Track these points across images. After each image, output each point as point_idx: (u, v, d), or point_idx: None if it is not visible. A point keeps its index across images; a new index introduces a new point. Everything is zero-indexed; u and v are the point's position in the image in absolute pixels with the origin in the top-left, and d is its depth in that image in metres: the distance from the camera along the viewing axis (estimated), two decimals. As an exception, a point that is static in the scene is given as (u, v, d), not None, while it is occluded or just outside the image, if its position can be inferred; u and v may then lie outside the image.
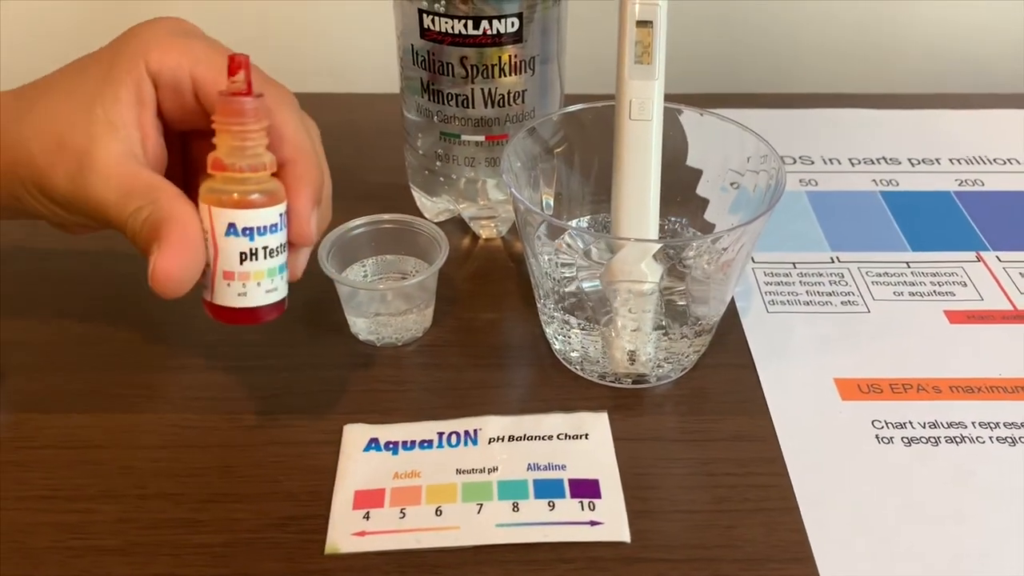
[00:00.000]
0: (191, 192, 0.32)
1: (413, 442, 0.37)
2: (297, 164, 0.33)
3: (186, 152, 0.36)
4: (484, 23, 0.41)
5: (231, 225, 0.30)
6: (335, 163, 0.54)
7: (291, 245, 0.33)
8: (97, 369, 0.41)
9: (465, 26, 0.41)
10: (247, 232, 0.30)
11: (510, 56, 0.43)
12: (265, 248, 0.31)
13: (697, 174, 0.43)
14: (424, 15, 0.42)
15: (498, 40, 0.42)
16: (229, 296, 0.31)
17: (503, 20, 0.42)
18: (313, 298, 0.44)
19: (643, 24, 0.36)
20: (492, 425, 0.37)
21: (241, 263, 0.31)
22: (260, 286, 0.31)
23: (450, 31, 0.42)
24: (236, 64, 0.30)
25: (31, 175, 0.33)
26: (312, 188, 0.33)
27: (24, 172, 0.33)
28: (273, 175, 0.31)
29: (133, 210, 0.31)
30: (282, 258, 0.32)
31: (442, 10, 0.41)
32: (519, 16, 0.42)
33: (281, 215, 0.31)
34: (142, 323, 0.43)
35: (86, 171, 0.31)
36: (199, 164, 0.33)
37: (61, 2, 0.62)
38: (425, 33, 0.42)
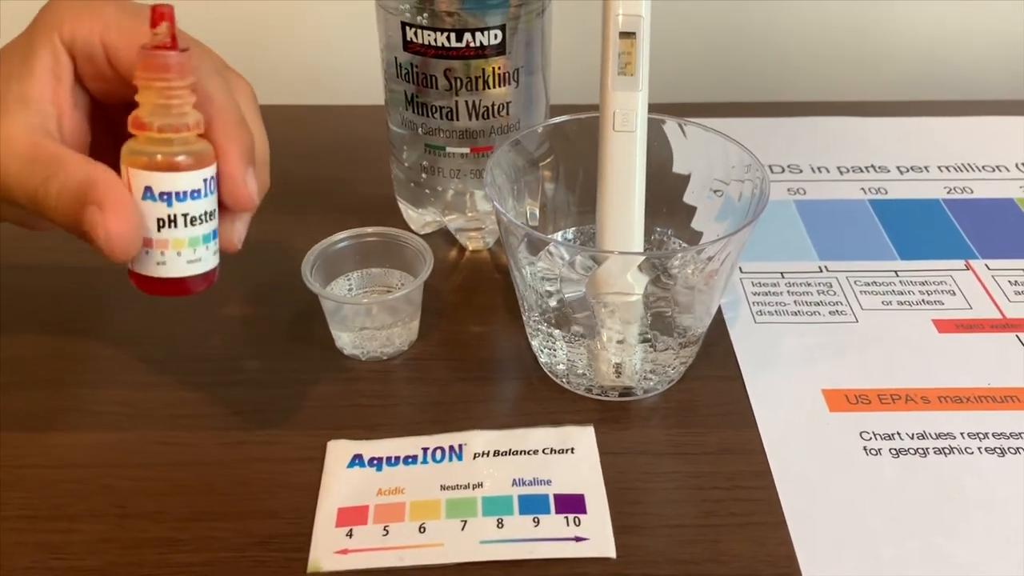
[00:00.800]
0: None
1: (397, 458, 0.36)
2: (222, 124, 0.30)
3: (115, 131, 0.33)
4: (467, 35, 0.41)
5: (147, 189, 0.28)
6: (321, 175, 0.55)
7: (227, 211, 0.31)
8: (79, 386, 0.40)
9: (448, 39, 0.41)
10: (164, 197, 0.28)
11: (494, 68, 0.43)
12: (185, 215, 0.29)
13: (683, 183, 0.43)
14: (407, 28, 0.42)
15: (482, 52, 0.42)
16: (148, 264, 0.29)
17: (486, 32, 0.41)
18: (297, 313, 0.44)
19: (626, 35, 0.36)
20: (477, 440, 0.37)
21: (159, 230, 0.29)
22: (180, 256, 0.29)
23: (433, 44, 0.42)
24: (159, 15, 0.28)
25: None
26: (240, 147, 0.30)
27: None
28: (201, 136, 0.29)
29: (41, 181, 0.29)
30: (208, 227, 0.29)
31: (425, 23, 0.41)
32: (502, 28, 0.42)
33: (206, 180, 0.29)
34: (124, 339, 0.43)
35: None
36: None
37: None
38: (408, 46, 0.42)
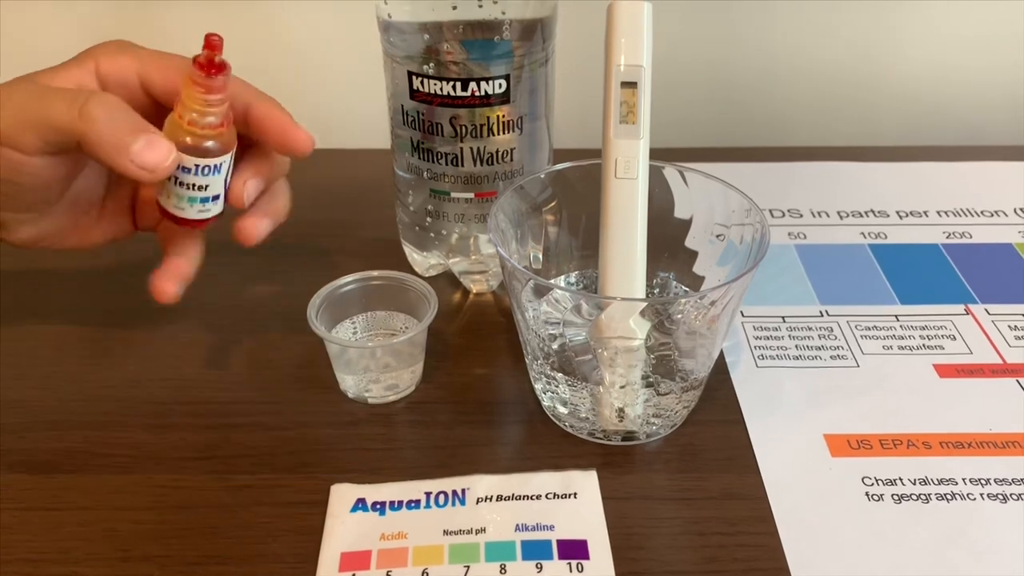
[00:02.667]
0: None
1: (400, 502, 0.37)
2: (264, 102, 0.38)
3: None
4: (473, 84, 0.42)
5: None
6: (327, 218, 0.55)
7: (256, 208, 0.40)
8: (84, 428, 0.41)
9: (454, 87, 0.42)
10: (182, 168, 0.37)
11: (499, 116, 0.43)
12: (192, 184, 0.37)
13: (685, 227, 0.43)
14: (414, 76, 0.43)
15: (487, 100, 0.43)
16: (168, 205, 0.38)
17: (491, 81, 0.42)
18: (302, 356, 0.44)
19: (628, 85, 0.37)
20: (480, 484, 0.37)
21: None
22: (191, 206, 0.38)
23: (439, 92, 0.42)
24: (210, 44, 0.35)
25: None
26: (283, 111, 0.38)
27: None
28: (221, 134, 0.37)
29: (82, 105, 0.35)
30: (207, 193, 0.38)
31: (432, 72, 0.42)
32: (507, 77, 0.42)
33: (210, 166, 0.37)
34: (130, 382, 0.43)
35: (12, 95, 0.36)
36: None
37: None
38: (415, 94, 0.43)
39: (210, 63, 0.35)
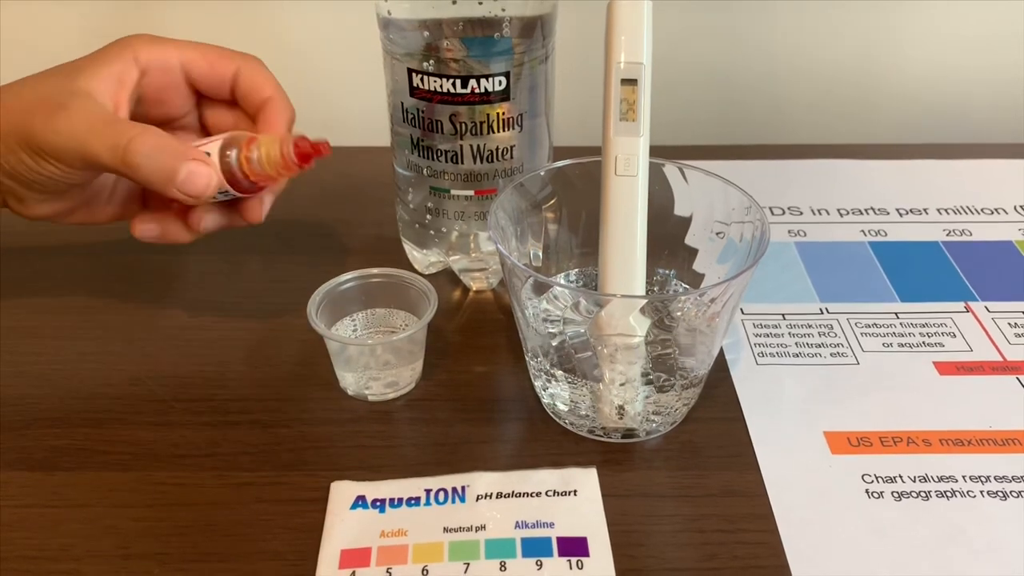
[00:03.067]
0: None
1: (400, 499, 0.37)
2: (276, 101, 0.42)
3: None
4: (472, 82, 0.42)
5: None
6: (327, 216, 0.55)
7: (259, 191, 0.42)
8: (84, 426, 0.41)
9: (454, 84, 0.42)
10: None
11: (499, 113, 0.43)
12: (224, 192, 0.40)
13: (684, 225, 0.43)
14: (414, 74, 0.43)
15: (487, 98, 0.43)
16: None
17: (491, 79, 0.42)
18: (302, 353, 0.44)
19: (628, 82, 0.37)
20: (480, 482, 0.37)
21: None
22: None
23: (439, 89, 0.42)
24: (317, 151, 0.39)
25: (12, 128, 0.37)
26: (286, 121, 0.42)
27: (6, 127, 0.38)
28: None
29: (127, 138, 0.37)
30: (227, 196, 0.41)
31: (432, 69, 0.42)
32: (507, 75, 0.42)
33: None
34: (130, 379, 0.43)
35: (61, 113, 0.37)
36: None
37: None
38: (415, 91, 0.43)
39: (306, 157, 0.38)
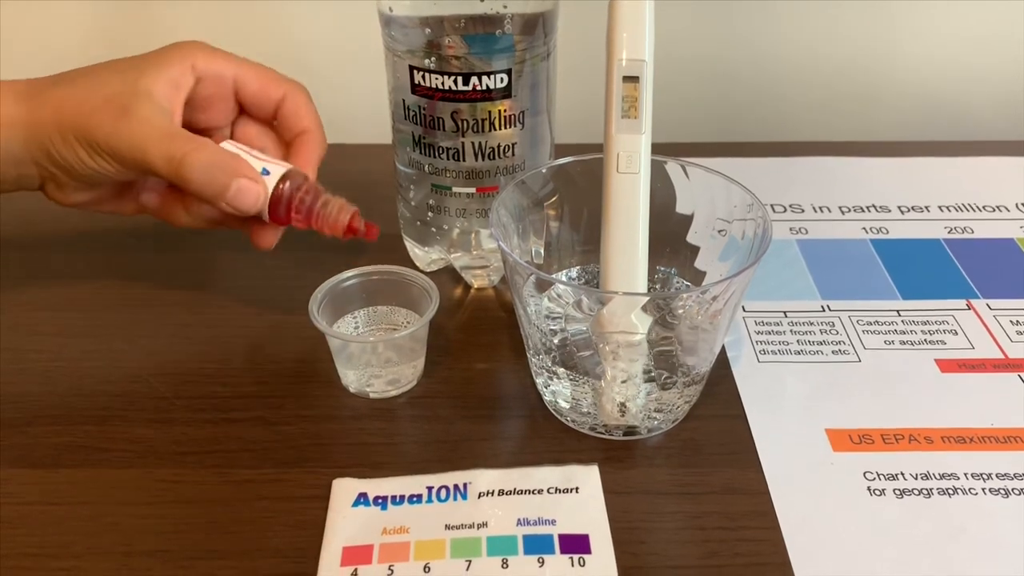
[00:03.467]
0: None
1: (402, 497, 0.37)
2: (313, 134, 0.45)
3: None
4: (474, 79, 0.42)
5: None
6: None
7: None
8: (85, 423, 0.41)
9: (455, 82, 0.42)
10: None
11: (500, 110, 0.43)
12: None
13: (686, 223, 0.43)
14: (415, 71, 0.43)
15: (488, 95, 0.43)
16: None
17: (492, 76, 0.42)
18: (303, 351, 0.44)
19: (630, 80, 0.37)
20: (482, 479, 0.37)
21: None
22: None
23: (440, 87, 0.42)
24: (371, 233, 0.42)
25: (73, 122, 0.39)
26: (318, 156, 0.45)
27: (68, 121, 0.39)
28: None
29: (183, 153, 0.39)
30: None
31: (433, 66, 0.42)
32: (508, 72, 0.42)
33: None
34: (131, 376, 0.43)
35: (124, 118, 0.39)
36: None
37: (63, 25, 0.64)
38: (416, 88, 0.43)
39: (354, 232, 0.42)
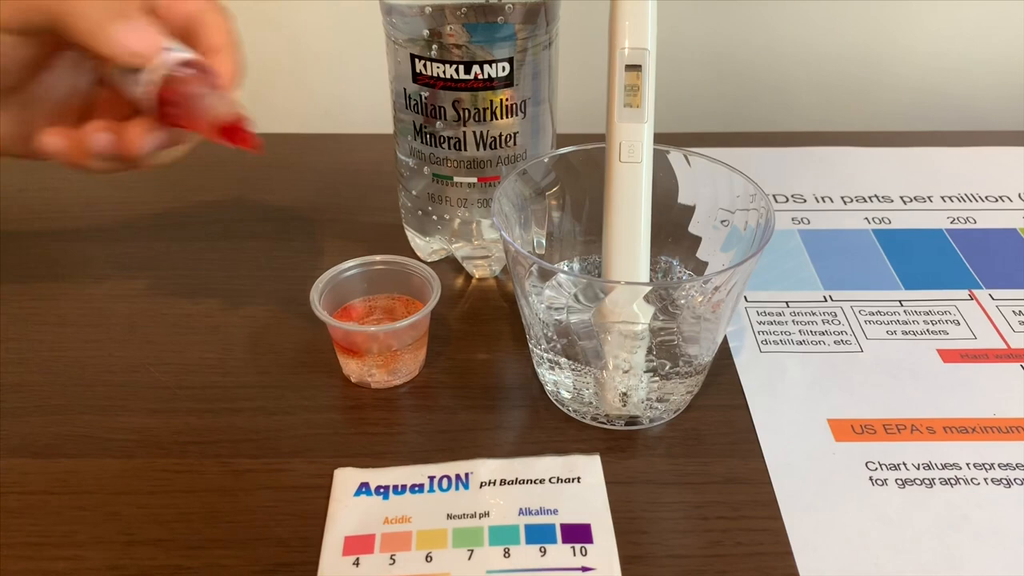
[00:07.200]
0: None
1: (404, 486, 0.37)
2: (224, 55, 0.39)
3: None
4: (476, 68, 0.42)
5: None
6: (330, 203, 0.55)
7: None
8: (86, 412, 0.40)
9: (457, 71, 0.42)
10: None
11: (502, 100, 0.43)
12: None
13: (688, 213, 0.43)
14: (416, 60, 0.42)
15: (490, 84, 0.43)
16: None
17: (494, 65, 0.42)
18: (305, 341, 0.44)
19: (632, 68, 0.37)
20: (484, 468, 0.37)
21: None
22: None
23: (442, 76, 0.42)
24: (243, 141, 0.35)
25: None
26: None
27: None
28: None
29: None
30: None
31: (434, 55, 0.42)
32: (510, 61, 0.42)
33: None
34: (133, 366, 0.43)
35: None
36: None
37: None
38: (418, 77, 0.43)
39: (229, 137, 0.35)
